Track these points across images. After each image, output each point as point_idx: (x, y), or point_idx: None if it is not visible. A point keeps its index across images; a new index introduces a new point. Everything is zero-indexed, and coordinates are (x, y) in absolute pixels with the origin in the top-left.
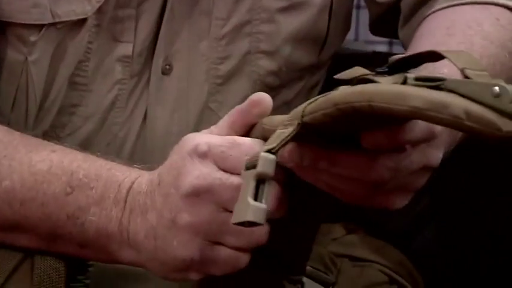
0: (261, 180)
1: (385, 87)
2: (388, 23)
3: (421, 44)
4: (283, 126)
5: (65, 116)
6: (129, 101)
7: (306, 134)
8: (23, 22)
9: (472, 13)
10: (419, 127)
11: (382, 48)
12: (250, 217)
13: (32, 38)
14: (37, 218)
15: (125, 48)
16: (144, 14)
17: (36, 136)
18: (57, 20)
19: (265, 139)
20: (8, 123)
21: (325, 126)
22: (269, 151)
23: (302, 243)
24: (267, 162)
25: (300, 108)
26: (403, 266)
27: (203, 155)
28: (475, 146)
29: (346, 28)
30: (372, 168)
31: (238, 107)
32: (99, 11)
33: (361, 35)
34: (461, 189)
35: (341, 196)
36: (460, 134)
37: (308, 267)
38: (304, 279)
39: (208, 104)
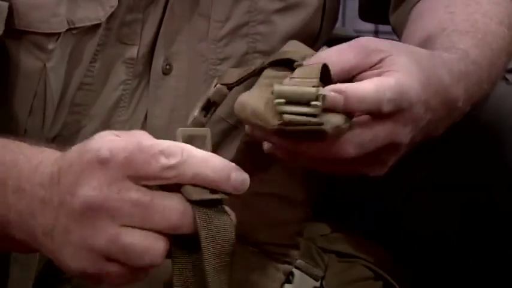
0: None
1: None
2: (377, 8)
3: (422, 23)
4: None
5: (72, 115)
6: (131, 100)
7: None
8: (42, 31)
9: None
10: (369, 98)
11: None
12: (189, 120)
13: (50, 46)
14: None
15: (131, 51)
16: (149, 17)
17: (48, 139)
18: (72, 26)
19: None
20: (25, 130)
21: None
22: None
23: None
24: (218, 92)
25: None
26: (388, 263)
27: (104, 162)
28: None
29: (335, 20)
30: (337, 147)
31: None
32: (111, 16)
33: (347, 23)
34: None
35: (321, 170)
36: (454, 113)
37: (299, 261)
38: (295, 271)
39: None
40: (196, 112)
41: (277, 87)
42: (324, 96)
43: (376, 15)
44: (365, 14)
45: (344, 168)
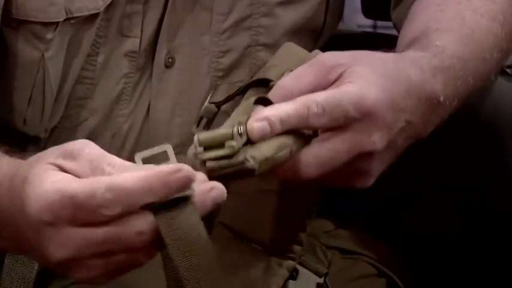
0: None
1: None
2: (380, 5)
3: (414, 22)
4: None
5: (73, 108)
6: (133, 93)
7: None
8: (40, 20)
9: None
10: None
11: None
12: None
13: (49, 35)
14: None
15: (132, 44)
16: (150, 9)
17: (47, 129)
18: (70, 15)
19: None
20: (24, 119)
21: None
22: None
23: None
24: (207, 110)
25: None
26: (391, 260)
27: (52, 224)
28: None
29: (340, 16)
30: (296, 171)
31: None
32: (110, 5)
33: (346, 18)
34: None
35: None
36: (438, 109)
37: (302, 257)
38: (299, 267)
39: None
40: (193, 129)
41: (195, 136)
42: (242, 132)
43: (378, 12)
44: (367, 10)
45: (324, 184)
